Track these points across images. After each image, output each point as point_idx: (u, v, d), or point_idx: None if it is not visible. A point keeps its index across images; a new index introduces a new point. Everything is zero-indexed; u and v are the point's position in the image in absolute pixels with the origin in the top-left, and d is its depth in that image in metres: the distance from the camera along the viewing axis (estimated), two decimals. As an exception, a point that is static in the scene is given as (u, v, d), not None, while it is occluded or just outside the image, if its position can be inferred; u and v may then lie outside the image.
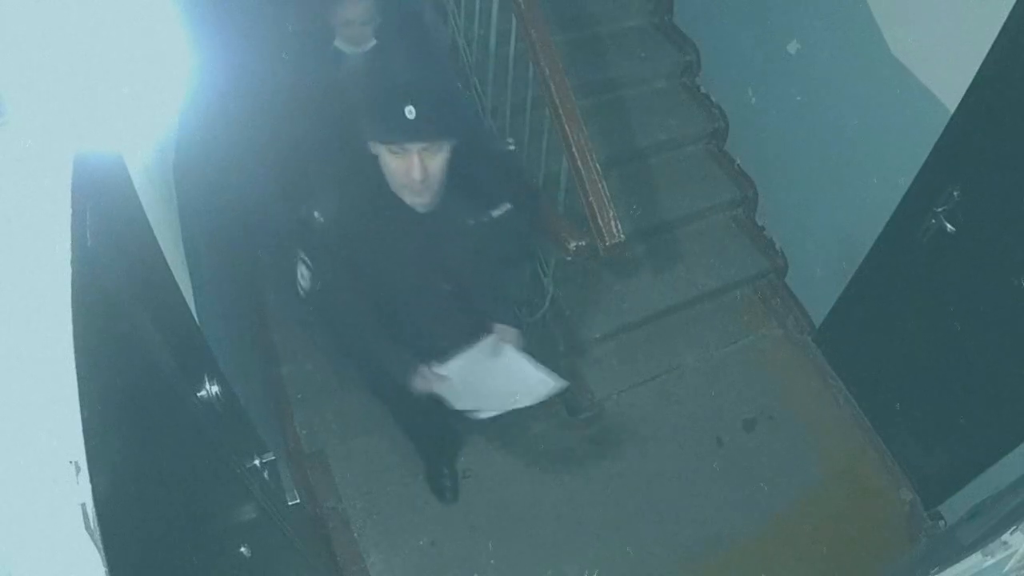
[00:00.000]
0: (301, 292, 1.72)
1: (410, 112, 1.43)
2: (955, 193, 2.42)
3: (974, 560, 1.36)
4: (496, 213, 1.74)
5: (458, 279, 1.84)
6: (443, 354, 1.91)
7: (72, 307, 0.66)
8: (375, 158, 1.57)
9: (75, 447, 0.61)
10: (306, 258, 1.70)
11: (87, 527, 0.59)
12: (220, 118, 2.49)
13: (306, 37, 2.60)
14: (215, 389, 1.29)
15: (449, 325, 1.93)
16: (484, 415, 1.99)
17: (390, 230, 1.68)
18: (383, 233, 1.68)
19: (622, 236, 2.25)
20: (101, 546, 0.60)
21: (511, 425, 2.75)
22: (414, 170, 1.51)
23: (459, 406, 1.96)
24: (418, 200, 1.61)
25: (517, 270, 2.02)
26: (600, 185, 2.24)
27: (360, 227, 1.68)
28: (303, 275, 1.71)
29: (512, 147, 1.90)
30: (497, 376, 1.96)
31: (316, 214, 1.64)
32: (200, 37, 2.17)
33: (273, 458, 1.56)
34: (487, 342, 1.95)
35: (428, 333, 1.93)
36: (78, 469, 0.60)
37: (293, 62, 2.60)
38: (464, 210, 1.71)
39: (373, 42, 2.47)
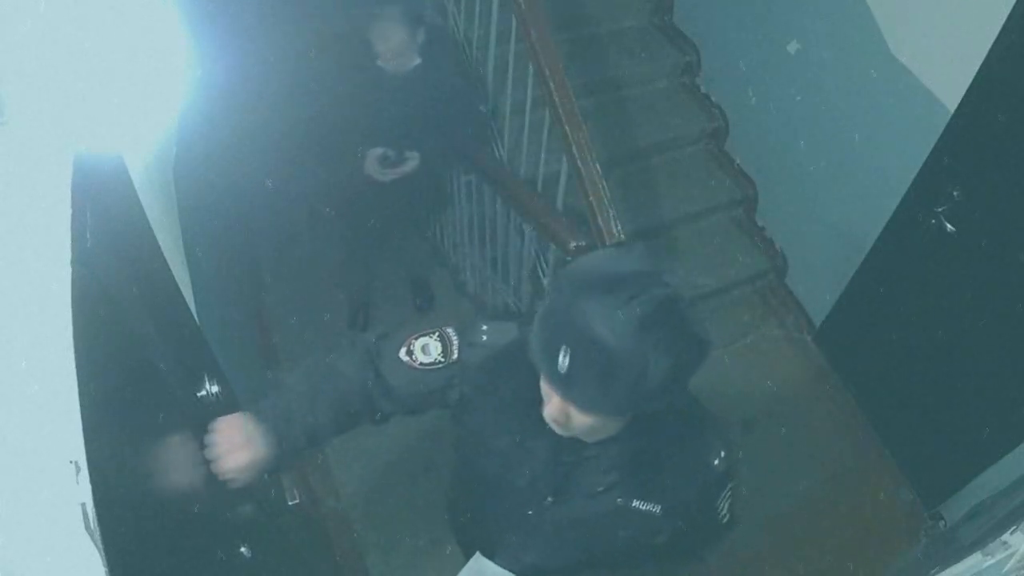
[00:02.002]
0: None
1: (563, 363, 1.03)
2: (955, 193, 2.42)
3: (974, 560, 1.36)
4: (646, 507, 1.32)
5: (568, 523, 1.42)
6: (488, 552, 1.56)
7: (72, 307, 0.66)
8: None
9: (75, 447, 0.61)
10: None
11: (87, 527, 0.59)
12: (221, 119, 2.49)
13: (346, 55, 2.57)
14: (215, 389, 1.29)
15: (520, 546, 1.52)
16: None
17: (521, 423, 1.30)
18: (515, 421, 1.31)
19: (622, 236, 2.25)
20: (101, 546, 0.59)
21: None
22: (550, 407, 1.14)
23: None
24: (553, 426, 1.21)
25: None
26: (600, 185, 2.24)
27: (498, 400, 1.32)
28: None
29: (722, 461, 1.36)
30: None
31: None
32: (209, 38, 2.17)
33: (273, 458, 1.56)
34: None
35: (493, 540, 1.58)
36: (78, 469, 0.60)
37: (332, 78, 2.60)
38: (607, 474, 1.28)
39: (417, 61, 2.48)
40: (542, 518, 1.40)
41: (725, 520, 1.46)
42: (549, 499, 1.35)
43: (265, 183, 3.30)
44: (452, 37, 2.78)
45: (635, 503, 1.32)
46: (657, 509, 1.33)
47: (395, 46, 2.39)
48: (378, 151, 2.59)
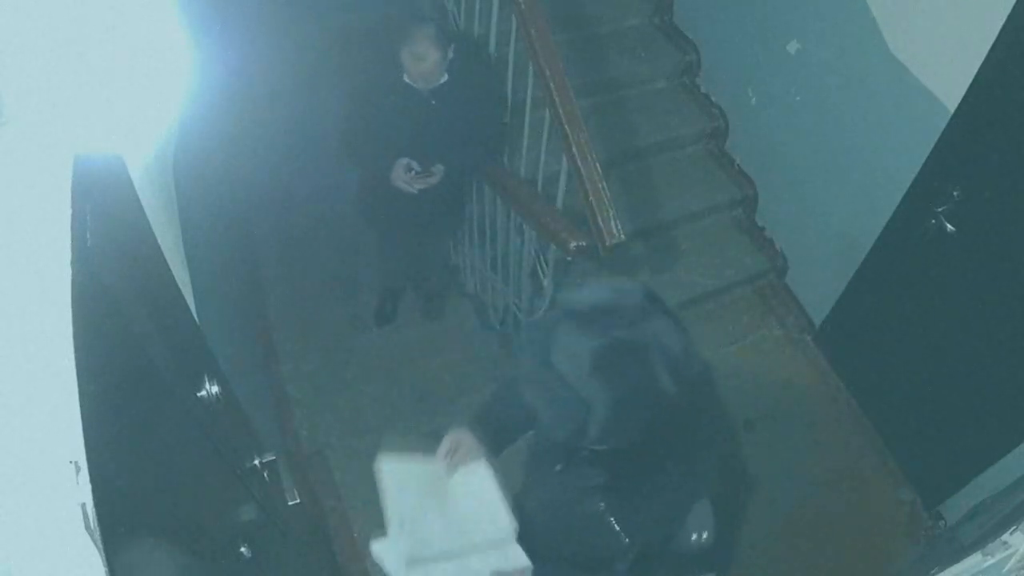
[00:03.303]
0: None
1: (531, 368, 1.15)
2: (955, 193, 2.42)
3: (974, 560, 1.36)
4: (617, 528, 1.38)
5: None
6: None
7: (72, 307, 0.66)
8: None
9: (75, 447, 0.61)
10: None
11: (87, 527, 0.59)
12: (222, 119, 2.49)
13: (373, 68, 2.59)
14: (215, 389, 1.29)
15: (538, 507, 1.63)
16: None
17: None
18: None
19: (622, 236, 2.25)
20: (101, 546, 0.59)
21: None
22: None
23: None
24: None
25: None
26: (600, 185, 2.24)
27: None
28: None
29: (700, 542, 1.38)
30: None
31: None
32: (216, 40, 2.18)
33: (273, 458, 1.56)
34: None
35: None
36: (78, 469, 0.60)
37: (358, 91, 2.62)
38: (597, 473, 1.35)
39: (444, 77, 2.49)
40: (551, 483, 1.49)
41: None
42: (558, 467, 1.43)
43: (274, 183, 3.30)
44: (477, 45, 2.76)
45: (611, 518, 1.37)
46: (625, 539, 1.37)
47: (430, 67, 2.40)
48: (403, 161, 2.60)
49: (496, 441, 1.66)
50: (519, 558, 1.57)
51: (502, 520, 1.58)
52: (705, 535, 1.36)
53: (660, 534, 1.38)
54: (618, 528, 1.38)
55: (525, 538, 1.59)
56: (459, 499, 1.62)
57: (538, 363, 1.11)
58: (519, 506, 1.62)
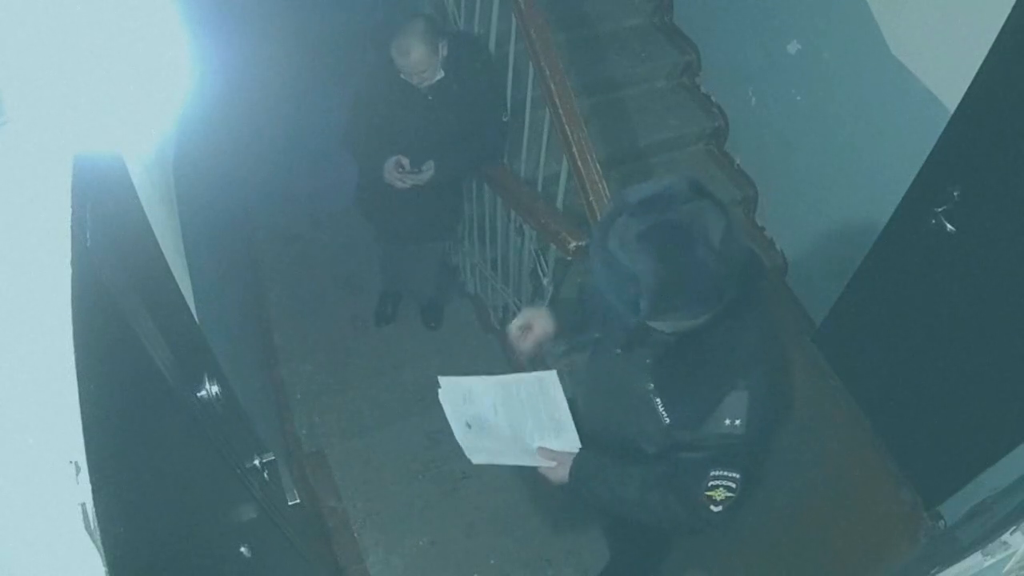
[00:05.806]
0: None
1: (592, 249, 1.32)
2: (955, 193, 2.42)
3: (974, 560, 1.36)
4: (661, 409, 1.54)
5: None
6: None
7: (72, 307, 0.66)
8: None
9: (75, 447, 0.61)
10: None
11: (87, 527, 0.59)
12: (222, 119, 2.49)
13: (373, 65, 2.61)
14: (215, 389, 1.29)
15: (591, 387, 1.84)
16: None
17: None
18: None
19: (622, 236, 2.24)
20: (101, 546, 0.60)
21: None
22: None
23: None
24: None
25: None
26: (600, 185, 2.24)
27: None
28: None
29: (735, 426, 1.45)
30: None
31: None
32: (215, 40, 2.18)
33: (273, 458, 1.56)
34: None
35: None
36: (78, 469, 0.60)
37: (359, 87, 2.65)
38: (653, 357, 1.53)
39: (440, 75, 2.48)
40: (609, 367, 1.68)
41: (715, 511, 1.52)
42: (618, 351, 1.61)
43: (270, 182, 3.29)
44: (476, 44, 2.75)
45: (657, 399, 1.52)
46: (666, 419, 1.52)
47: (414, 62, 2.38)
48: (392, 159, 2.60)
49: (570, 327, 1.85)
50: (573, 445, 1.73)
51: (568, 434, 1.70)
52: (738, 422, 1.43)
53: (696, 417, 1.47)
54: (660, 409, 1.52)
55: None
56: (526, 411, 1.72)
57: (599, 248, 1.26)
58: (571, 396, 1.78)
